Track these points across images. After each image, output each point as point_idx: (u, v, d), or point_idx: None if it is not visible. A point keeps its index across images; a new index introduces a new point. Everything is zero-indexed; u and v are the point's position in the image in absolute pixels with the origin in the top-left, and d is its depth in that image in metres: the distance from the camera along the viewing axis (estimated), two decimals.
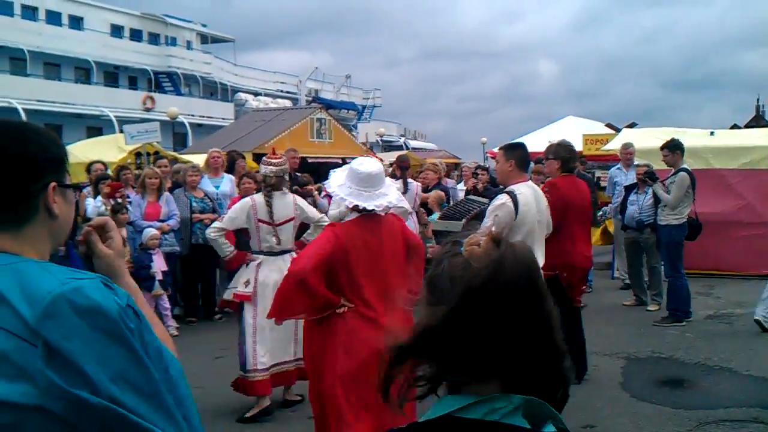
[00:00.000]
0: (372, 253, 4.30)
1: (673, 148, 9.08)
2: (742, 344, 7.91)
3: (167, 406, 1.42)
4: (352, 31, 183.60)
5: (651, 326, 8.84)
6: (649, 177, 9.38)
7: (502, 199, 5.54)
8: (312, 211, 6.60)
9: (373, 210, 4.30)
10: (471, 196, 8.26)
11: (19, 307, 1.34)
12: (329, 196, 9.09)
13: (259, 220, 6.09)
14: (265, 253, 6.15)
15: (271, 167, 6.19)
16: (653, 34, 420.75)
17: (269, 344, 5.99)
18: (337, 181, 4.43)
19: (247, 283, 6.11)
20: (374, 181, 4.35)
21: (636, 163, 10.87)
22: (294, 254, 6.08)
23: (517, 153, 5.75)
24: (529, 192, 5.59)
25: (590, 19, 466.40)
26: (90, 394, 1.30)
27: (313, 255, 4.25)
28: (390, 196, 4.42)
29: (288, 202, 6.24)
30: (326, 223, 6.14)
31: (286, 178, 6.57)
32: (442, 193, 10.77)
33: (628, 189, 10.37)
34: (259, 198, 6.18)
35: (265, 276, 6.04)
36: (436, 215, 10.04)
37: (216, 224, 6.40)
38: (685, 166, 9.05)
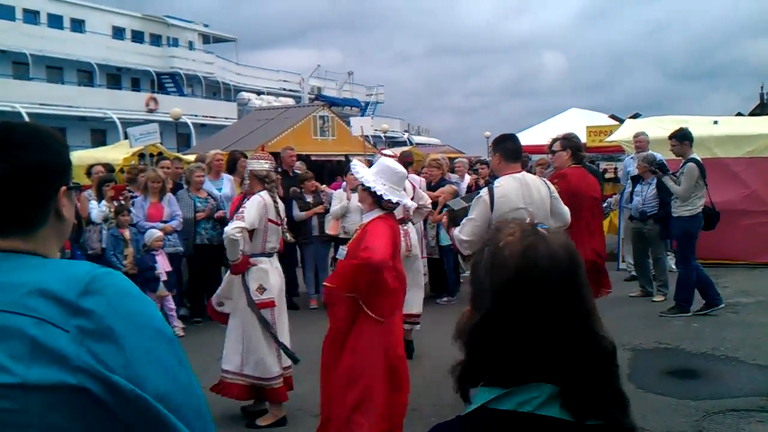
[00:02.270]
0: (398, 249, 4.55)
1: (681, 137, 8.94)
2: (749, 334, 7.89)
3: (198, 396, 1.46)
4: (359, 30, 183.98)
5: (657, 317, 8.82)
6: (659, 168, 9.23)
7: (481, 193, 5.54)
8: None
9: (403, 206, 4.57)
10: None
11: (55, 288, 1.36)
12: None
13: (269, 220, 5.90)
14: (266, 255, 5.97)
15: (270, 163, 6.05)
16: (661, 25, 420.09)
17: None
18: (370, 176, 4.55)
19: (261, 289, 5.85)
20: (404, 181, 4.63)
21: (637, 154, 10.83)
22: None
23: (501, 145, 5.72)
24: (512, 183, 5.50)
25: (598, 11, 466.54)
26: (125, 376, 1.33)
27: (387, 245, 4.36)
28: (407, 195, 4.66)
29: (279, 202, 6.11)
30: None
31: None
32: (455, 187, 10.76)
33: (635, 179, 10.34)
34: (266, 196, 5.91)
35: (272, 279, 5.91)
36: None
37: (239, 224, 5.69)
38: (693, 155, 8.91)
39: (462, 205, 5.91)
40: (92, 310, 1.35)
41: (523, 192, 5.49)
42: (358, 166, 4.67)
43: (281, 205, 6.09)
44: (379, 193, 4.46)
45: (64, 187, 1.57)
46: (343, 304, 4.48)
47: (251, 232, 5.84)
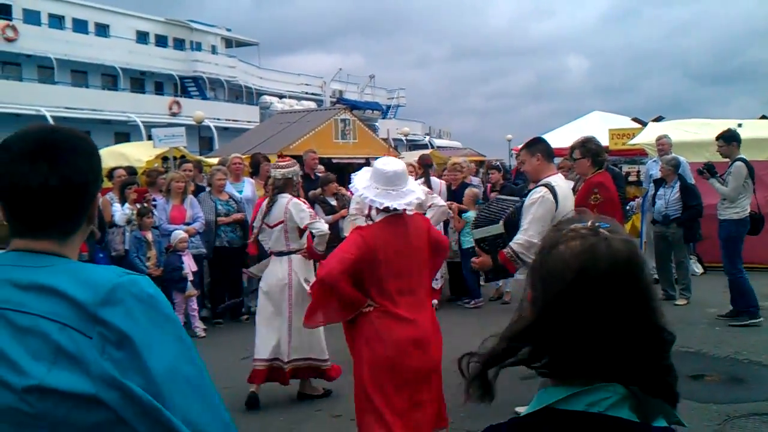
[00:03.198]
0: (398, 253, 4.35)
1: (728, 139, 8.70)
2: None
3: (217, 406, 1.47)
4: (381, 34, 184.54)
5: (679, 321, 8.73)
6: (707, 170, 8.84)
7: (541, 192, 5.33)
8: (300, 217, 6.35)
9: (403, 209, 4.36)
10: (501, 196, 8.11)
11: (78, 295, 1.38)
12: None
13: (263, 222, 6.48)
14: (275, 254, 6.50)
15: (280, 170, 6.46)
16: (684, 27, 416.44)
17: (270, 339, 6.30)
18: (362, 183, 4.48)
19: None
20: (400, 180, 4.41)
21: (661, 157, 10.75)
22: (295, 257, 6.41)
23: (540, 146, 5.67)
24: (564, 184, 5.53)
25: (621, 13, 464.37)
26: (143, 386, 1.35)
27: (342, 259, 4.29)
28: (416, 192, 4.50)
29: (281, 206, 6.36)
30: (321, 231, 6.35)
31: (296, 180, 6.61)
32: (477, 191, 10.73)
33: (658, 183, 10.26)
34: (265, 201, 6.60)
35: (270, 276, 6.45)
36: (471, 213, 10.00)
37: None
38: (741, 156, 8.63)
39: (487, 233, 5.68)
40: (110, 321, 1.37)
41: (570, 193, 5.53)
42: (356, 178, 4.62)
43: (276, 211, 6.38)
44: (367, 201, 4.43)
45: (99, 194, 1.62)
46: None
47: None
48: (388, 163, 4.49)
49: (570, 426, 1.29)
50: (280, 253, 6.39)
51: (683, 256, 10.00)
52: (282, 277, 6.30)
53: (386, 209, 4.37)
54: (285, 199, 6.36)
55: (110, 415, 1.35)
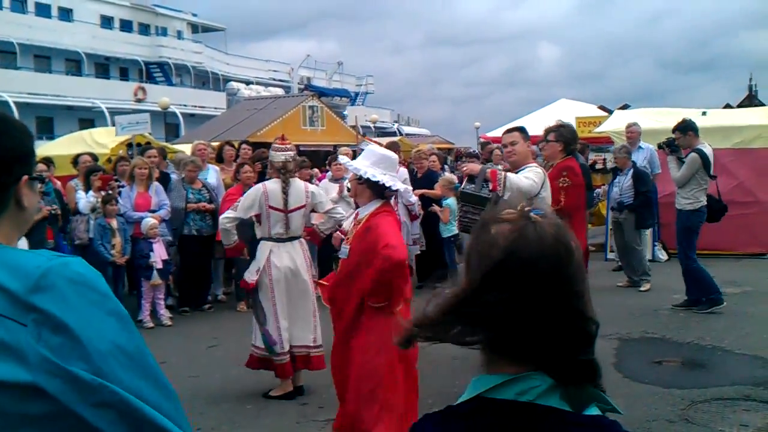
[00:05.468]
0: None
1: (684, 129, 8.62)
2: (735, 323, 7.93)
3: (160, 377, 1.44)
4: (358, 20, 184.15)
5: (644, 307, 8.85)
6: (667, 145, 8.75)
7: (540, 169, 5.64)
8: (326, 198, 6.52)
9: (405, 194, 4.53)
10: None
11: (8, 283, 1.33)
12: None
13: (270, 207, 6.03)
14: (274, 240, 6.09)
15: (289, 152, 6.19)
16: (657, 17, 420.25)
17: (289, 328, 6.05)
18: (372, 170, 4.38)
19: (258, 270, 6.05)
20: (397, 165, 4.58)
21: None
22: (303, 240, 6.23)
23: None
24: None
25: (594, 2, 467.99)
26: (85, 369, 1.31)
27: (402, 238, 4.39)
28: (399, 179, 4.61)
29: (300, 189, 6.15)
30: (339, 215, 6.29)
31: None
32: (453, 176, 10.75)
33: (616, 171, 10.47)
34: (272, 185, 6.09)
35: (278, 263, 6.03)
36: (451, 200, 10.00)
37: (230, 214, 6.17)
38: (699, 147, 8.50)
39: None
40: (44, 308, 1.32)
41: None
42: (361, 164, 4.46)
43: (295, 194, 6.10)
44: (388, 184, 4.33)
45: (26, 177, 1.54)
46: (352, 302, 4.38)
47: (258, 216, 6.16)
48: (389, 150, 4.58)
49: (499, 415, 1.29)
50: (293, 239, 6.13)
51: (635, 242, 10.10)
52: (296, 262, 6.08)
53: (381, 195, 4.40)
54: (300, 182, 6.27)
55: (54, 405, 1.31)
